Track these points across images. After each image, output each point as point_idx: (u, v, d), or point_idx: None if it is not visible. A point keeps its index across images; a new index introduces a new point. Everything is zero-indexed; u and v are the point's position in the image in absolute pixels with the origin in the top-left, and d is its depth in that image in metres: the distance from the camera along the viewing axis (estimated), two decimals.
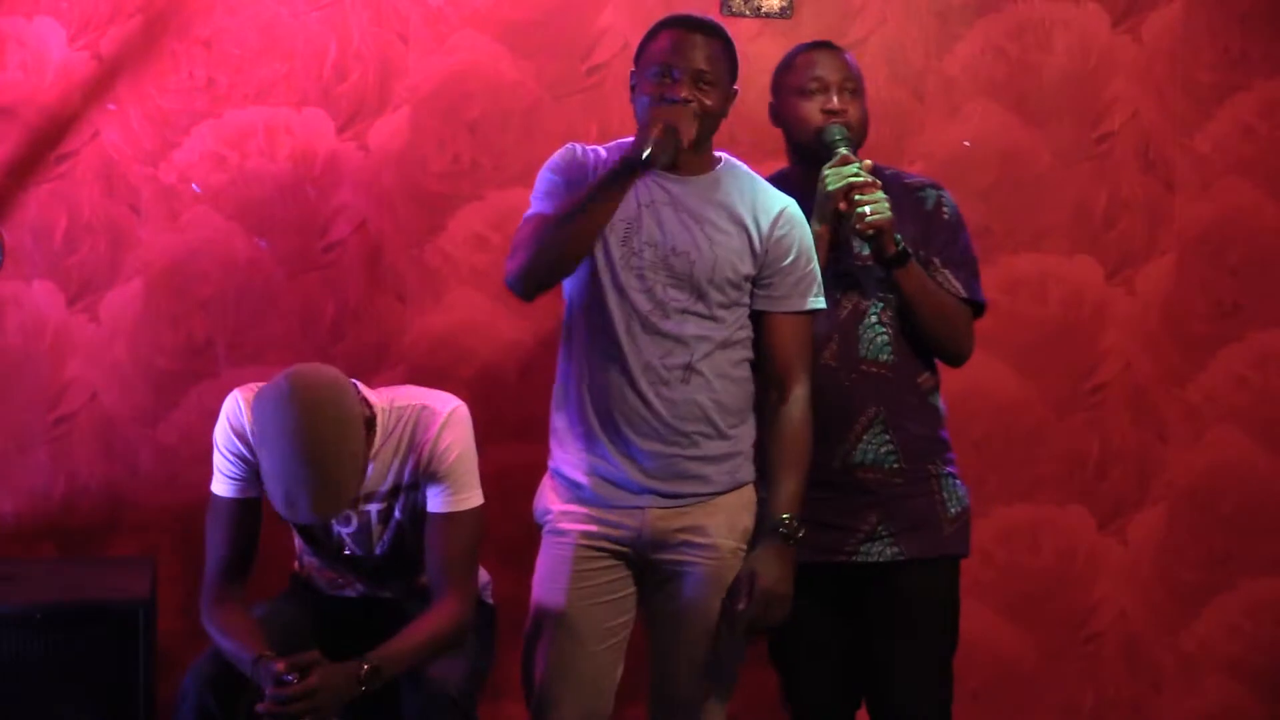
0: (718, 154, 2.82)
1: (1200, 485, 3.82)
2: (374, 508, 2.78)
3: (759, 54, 3.55)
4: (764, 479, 2.79)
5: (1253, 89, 3.78)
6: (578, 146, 2.81)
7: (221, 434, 2.72)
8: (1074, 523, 3.75)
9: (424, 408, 2.75)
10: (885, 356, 2.89)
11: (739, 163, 2.85)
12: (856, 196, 2.78)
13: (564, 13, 3.45)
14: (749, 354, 2.80)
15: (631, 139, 2.69)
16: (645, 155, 2.57)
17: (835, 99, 2.87)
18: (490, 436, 3.43)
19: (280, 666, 2.54)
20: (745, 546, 2.78)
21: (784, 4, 3.57)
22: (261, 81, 3.36)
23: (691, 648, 2.77)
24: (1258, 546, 3.85)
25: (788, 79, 2.94)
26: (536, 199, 2.77)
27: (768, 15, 3.57)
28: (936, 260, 2.92)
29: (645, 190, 2.73)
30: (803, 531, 2.72)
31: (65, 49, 3.28)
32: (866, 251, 2.87)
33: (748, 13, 3.56)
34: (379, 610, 2.88)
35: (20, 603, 2.77)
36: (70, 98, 3.29)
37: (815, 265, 2.80)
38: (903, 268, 2.83)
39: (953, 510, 2.93)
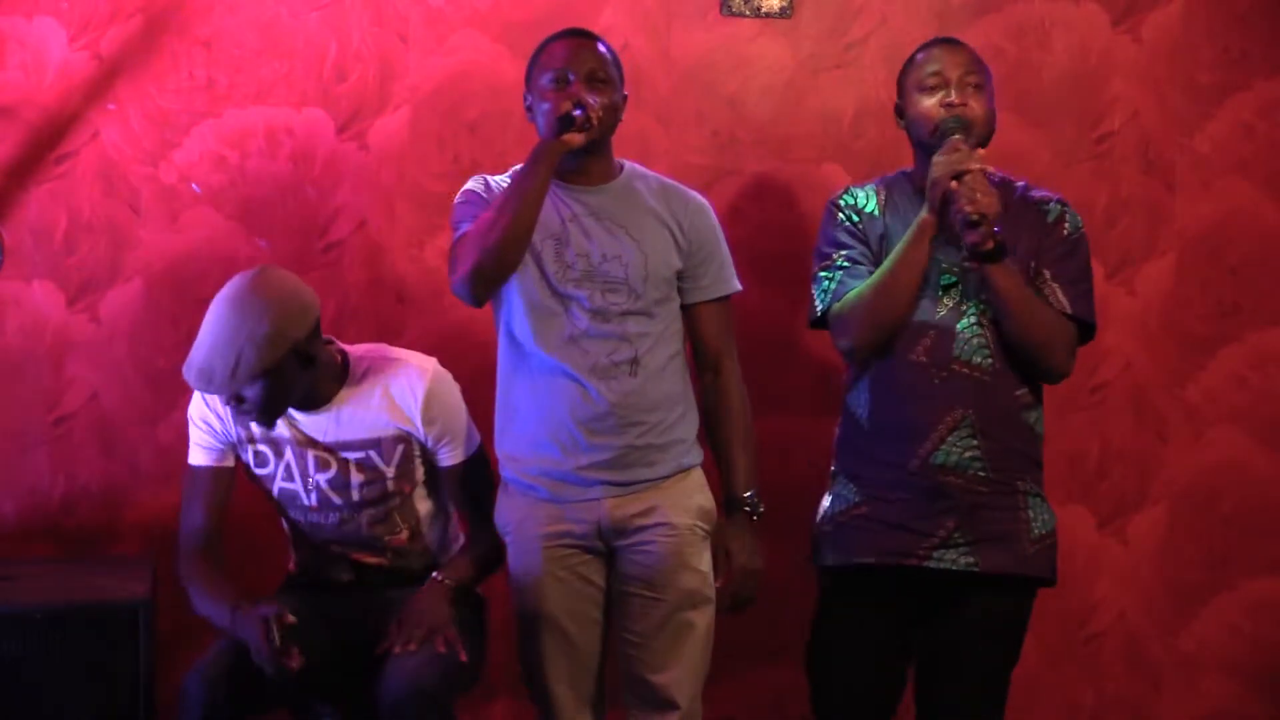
0: (618, 161, 2.92)
1: (1200, 485, 3.82)
2: (352, 456, 2.85)
3: (759, 54, 3.55)
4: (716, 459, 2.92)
5: (1253, 89, 3.78)
6: (487, 176, 2.92)
7: (195, 405, 2.87)
8: (1074, 523, 3.75)
9: (400, 360, 2.88)
10: (981, 360, 2.80)
11: (640, 165, 2.97)
12: (964, 183, 2.71)
13: (564, 13, 3.45)
14: (681, 345, 2.92)
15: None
16: (561, 123, 2.71)
17: (955, 94, 2.82)
18: (489, 437, 3.43)
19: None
20: (702, 524, 2.89)
21: (784, 4, 3.57)
22: (261, 81, 3.36)
23: (659, 627, 2.84)
24: (1258, 546, 3.85)
25: (909, 76, 2.90)
26: (462, 222, 2.85)
27: (768, 15, 3.57)
28: (1047, 273, 2.84)
29: (565, 206, 2.83)
30: (762, 508, 2.87)
31: (65, 49, 3.28)
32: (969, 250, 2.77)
33: (748, 13, 3.56)
34: (374, 606, 2.91)
35: (20, 603, 2.77)
36: (70, 98, 3.29)
37: (725, 250, 2.95)
38: (996, 263, 2.74)
39: (1037, 530, 2.84)
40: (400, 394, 2.85)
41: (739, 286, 2.96)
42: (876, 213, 2.90)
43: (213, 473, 2.88)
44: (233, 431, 2.86)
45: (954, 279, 2.82)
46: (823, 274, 2.90)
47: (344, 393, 2.84)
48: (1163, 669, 3.83)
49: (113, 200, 3.32)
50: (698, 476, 2.92)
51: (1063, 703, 3.79)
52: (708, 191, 3.39)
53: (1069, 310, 2.83)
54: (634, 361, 2.83)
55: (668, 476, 2.87)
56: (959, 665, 2.86)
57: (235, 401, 2.71)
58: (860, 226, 2.90)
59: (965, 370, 2.80)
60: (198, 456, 2.89)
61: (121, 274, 3.32)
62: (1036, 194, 2.93)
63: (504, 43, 3.45)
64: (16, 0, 3.27)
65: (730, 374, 2.95)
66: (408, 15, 3.42)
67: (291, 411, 2.82)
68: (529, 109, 2.88)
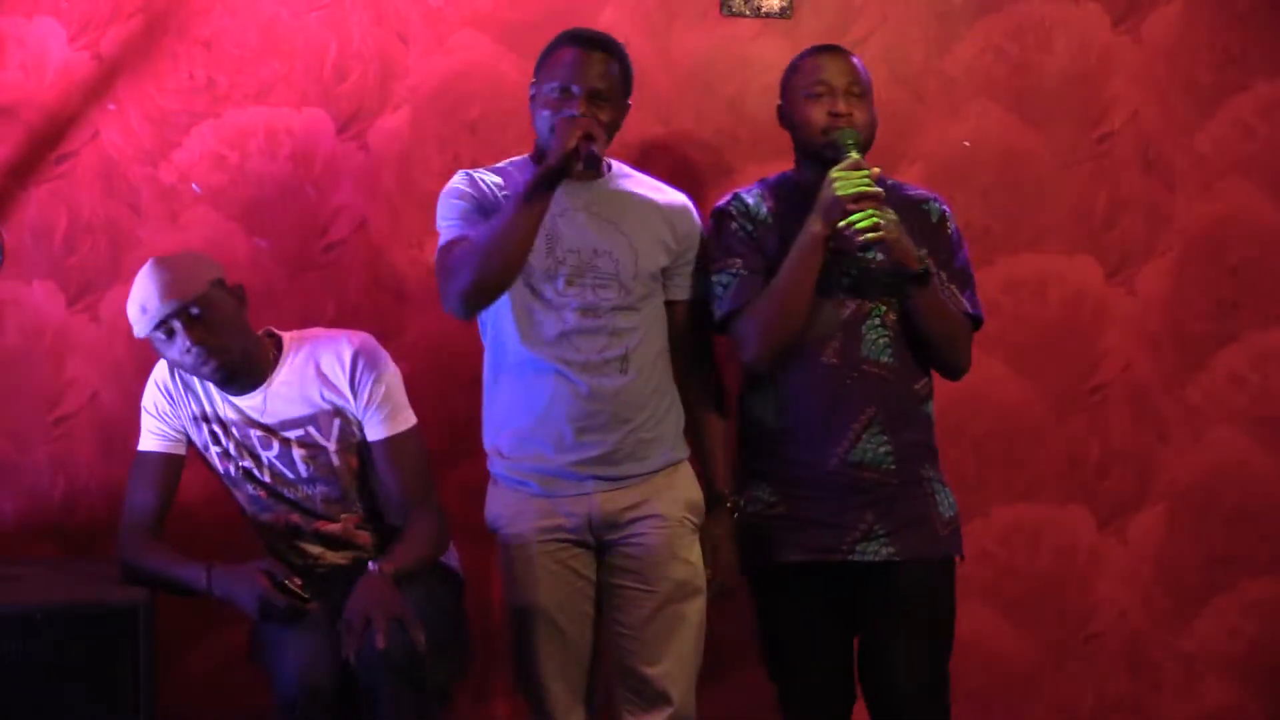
0: (605, 159, 2.94)
1: (1200, 485, 3.81)
2: (292, 434, 2.91)
3: (759, 54, 3.55)
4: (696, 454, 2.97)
5: (1253, 89, 3.78)
6: (471, 173, 2.94)
7: (149, 394, 2.96)
8: (1074, 523, 3.75)
9: (330, 335, 2.96)
10: (886, 358, 2.90)
11: (625, 165, 3.03)
12: (863, 204, 2.78)
13: (564, 13, 3.44)
14: (666, 340, 2.96)
15: (521, 158, 2.94)
16: (570, 161, 2.71)
17: (841, 102, 2.89)
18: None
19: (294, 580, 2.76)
20: (692, 516, 2.93)
21: (784, 4, 3.57)
22: (261, 81, 3.36)
23: (651, 620, 2.87)
24: (1258, 546, 3.85)
25: (795, 81, 2.97)
26: (451, 225, 2.87)
27: (768, 15, 3.57)
28: (942, 275, 2.94)
29: (555, 200, 2.82)
30: (744, 502, 2.93)
31: (65, 49, 3.28)
32: (876, 257, 2.88)
33: (748, 13, 3.56)
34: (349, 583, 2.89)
35: (20, 603, 2.77)
36: (70, 98, 3.29)
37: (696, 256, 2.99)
38: (925, 285, 2.85)
39: (946, 513, 2.95)
40: (329, 366, 2.91)
41: (691, 296, 3.00)
42: (769, 220, 2.97)
43: (163, 459, 2.94)
44: (186, 416, 2.93)
45: (854, 280, 2.90)
46: (718, 276, 2.97)
47: (278, 372, 2.91)
48: (1163, 669, 3.82)
49: (113, 200, 3.32)
50: (686, 470, 2.98)
51: (1063, 703, 3.79)
52: (708, 191, 3.40)
53: (969, 311, 2.97)
54: (624, 358, 2.86)
55: (658, 470, 2.91)
56: (894, 650, 2.91)
57: (182, 322, 2.77)
58: (755, 234, 2.97)
59: (874, 369, 2.90)
60: (149, 442, 2.95)
61: (121, 274, 3.32)
62: (912, 192, 3.03)
63: (504, 43, 3.45)
64: (16, 0, 3.27)
65: (708, 372, 3.04)
66: (408, 15, 3.42)
67: (230, 396, 2.89)
68: (532, 98, 2.91)
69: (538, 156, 2.90)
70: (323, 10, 3.39)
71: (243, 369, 2.87)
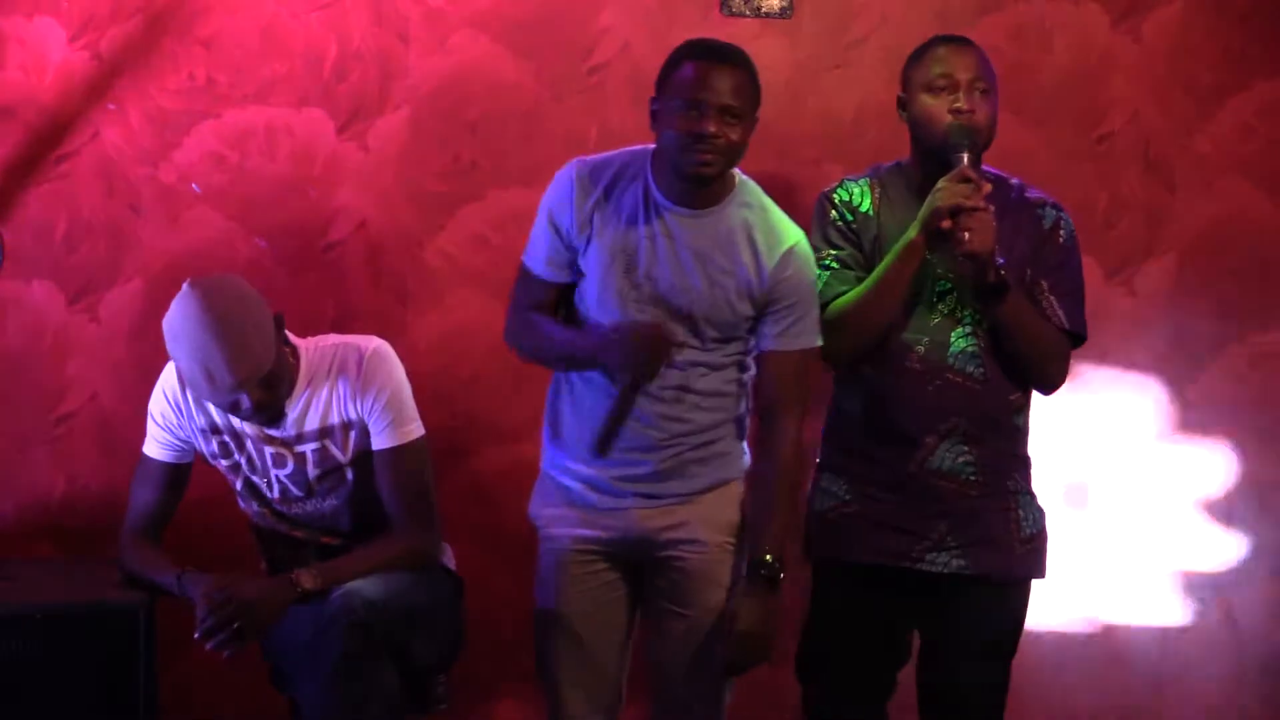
0: (733, 176, 2.77)
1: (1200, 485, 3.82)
2: (308, 448, 2.84)
3: (759, 54, 3.51)
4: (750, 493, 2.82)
5: (1253, 89, 3.78)
6: (583, 167, 2.76)
7: (155, 401, 2.88)
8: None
9: (345, 344, 2.86)
10: (974, 370, 2.80)
11: (754, 188, 2.80)
12: (963, 219, 2.67)
13: (564, 13, 3.45)
14: (744, 370, 2.82)
15: (639, 148, 2.75)
16: (624, 380, 2.65)
17: (964, 99, 2.77)
18: (489, 437, 3.43)
19: (212, 579, 2.68)
20: (733, 540, 2.81)
21: (784, 4, 3.57)
22: (261, 81, 3.36)
23: (684, 644, 2.80)
24: (1257, 546, 3.85)
25: (916, 73, 2.83)
26: (532, 244, 2.80)
27: (768, 15, 3.57)
28: (1044, 284, 2.83)
29: (650, 222, 2.72)
30: (784, 573, 2.73)
31: (65, 49, 3.28)
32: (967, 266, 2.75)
33: (748, 13, 3.56)
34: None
35: (20, 603, 2.77)
36: (70, 98, 3.29)
37: (815, 304, 2.78)
38: (999, 297, 2.73)
39: (1027, 530, 2.86)
40: (345, 376, 2.82)
41: (817, 343, 2.79)
42: (871, 212, 2.87)
43: (165, 467, 2.89)
44: (193, 428, 2.86)
45: (948, 286, 2.81)
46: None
47: (298, 387, 2.82)
48: (1163, 668, 3.82)
49: (113, 200, 3.32)
50: (733, 490, 2.83)
51: (1063, 703, 3.79)
52: None
53: (1066, 326, 2.84)
54: (681, 387, 2.74)
55: (704, 491, 2.80)
56: (957, 666, 2.87)
57: (248, 392, 2.66)
58: (854, 226, 2.86)
59: (958, 380, 2.80)
60: (153, 449, 2.90)
61: (121, 274, 3.32)
62: (1032, 195, 2.91)
63: (504, 43, 3.45)
64: (16, 0, 3.27)
65: (785, 434, 2.77)
66: (408, 15, 3.42)
67: None
68: (654, 113, 2.71)
69: (661, 169, 2.73)
70: (323, 10, 3.39)
71: (284, 405, 2.80)
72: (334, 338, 2.92)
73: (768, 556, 2.73)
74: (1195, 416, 3.80)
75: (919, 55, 2.86)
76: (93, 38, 3.29)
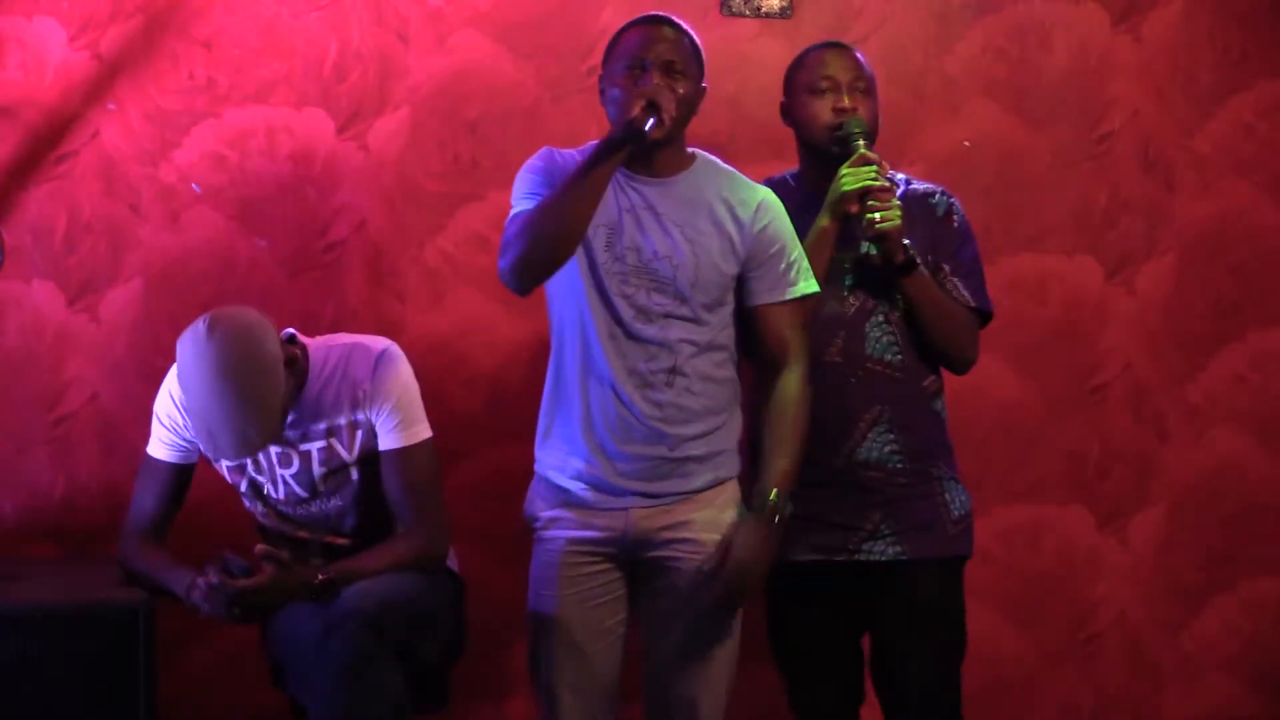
0: (691, 150, 2.83)
1: (1200, 485, 3.81)
2: (314, 446, 2.85)
3: (759, 54, 3.55)
4: (756, 462, 2.81)
5: (1253, 89, 3.78)
6: (554, 150, 2.81)
7: (161, 402, 2.88)
8: (1074, 522, 3.75)
9: (355, 345, 2.86)
10: (891, 356, 2.89)
11: (712, 158, 2.86)
12: (870, 201, 2.79)
13: (564, 13, 3.45)
14: (732, 354, 2.83)
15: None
16: (630, 129, 2.61)
17: (846, 98, 2.88)
18: (490, 437, 3.43)
19: (231, 557, 2.71)
20: None
21: (784, 4, 3.57)
22: (261, 81, 3.36)
23: (681, 644, 2.79)
24: (1258, 546, 3.84)
25: (799, 77, 2.95)
26: (519, 198, 2.77)
27: (768, 15, 3.57)
28: (946, 268, 2.94)
29: (625, 195, 2.75)
30: (789, 508, 2.73)
31: (65, 49, 3.28)
32: (874, 252, 2.88)
33: (748, 13, 3.56)
34: None
35: (20, 603, 2.77)
36: (70, 98, 3.29)
37: (799, 250, 2.81)
38: (909, 275, 2.85)
39: (956, 512, 2.94)
40: (355, 377, 2.82)
41: (814, 288, 2.81)
42: None
43: (169, 467, 2.89)
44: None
45: (856, 278, 2.89)
46: None
47: (307, 388, 2.82)
48: (1163, 669, 3.82)
49: (113, 200, 3.32)
50: (731, 490, 2.83)
51: (1063, 703, 3.79)
52: None
53: (972, 304, 2.94)
54: (672, 370, 2.73)
55: (702, 489, 2.79)
56: (906, 651, 2.91)
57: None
58: None
59: (879, 368, 2.89)
60: (157, 450, 2.90)
61: (121, 274, 3.32)
62: (919, 186, 3.00)
63: (504, 43, 3.45)
64: (16, 0, 3.27)
65: (791, 376, 2.79)
66: (408, 15, 3.42)
67: None
68: (601, 93, 2.78)
69: None
70: (323, 10, 3.39)
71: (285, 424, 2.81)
72: (344, 337, 2.93)
73: (773, 494, 2.73)
74: (1195, 416, 3.80)
75: (799, 61, 2.98)
76: (93, 38, 3.29)
